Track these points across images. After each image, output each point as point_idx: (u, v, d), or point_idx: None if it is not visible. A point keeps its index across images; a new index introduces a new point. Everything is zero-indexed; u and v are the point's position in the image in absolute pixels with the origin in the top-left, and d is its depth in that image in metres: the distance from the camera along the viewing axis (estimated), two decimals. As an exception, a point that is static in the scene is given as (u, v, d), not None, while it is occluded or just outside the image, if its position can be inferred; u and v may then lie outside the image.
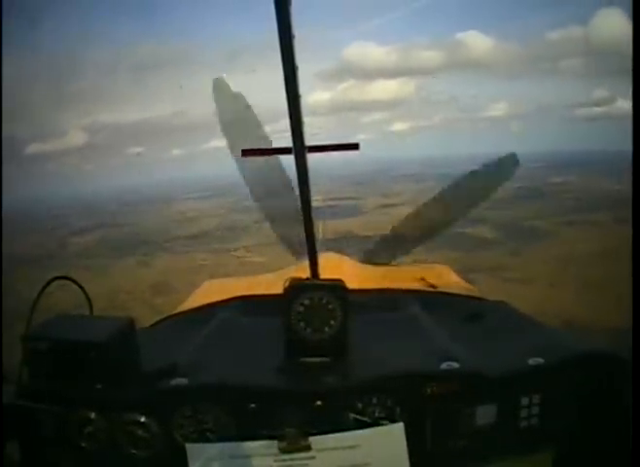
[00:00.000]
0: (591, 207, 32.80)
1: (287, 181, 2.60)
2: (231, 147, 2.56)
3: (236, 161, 2.54)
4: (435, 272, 2.14)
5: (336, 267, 1.94)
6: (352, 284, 1.21)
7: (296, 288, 1.17)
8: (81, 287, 1.32)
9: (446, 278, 2.11)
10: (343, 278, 1.21)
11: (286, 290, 1.17)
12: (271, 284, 1.59)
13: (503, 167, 2.72)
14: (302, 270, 1.46)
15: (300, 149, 0.95)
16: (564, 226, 31.54)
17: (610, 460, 1.08)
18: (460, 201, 2.69)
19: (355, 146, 1.09)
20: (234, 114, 2.58)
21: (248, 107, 2.62)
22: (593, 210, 31.47)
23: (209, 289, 2.18)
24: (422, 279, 1.92)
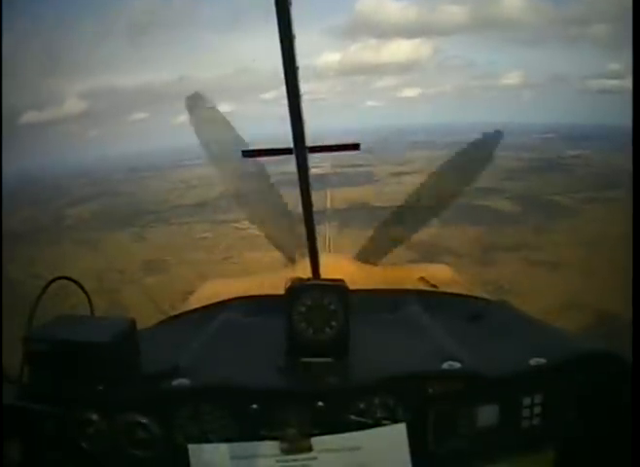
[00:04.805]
0: (610, 183, 31.73)
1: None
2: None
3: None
4: (435, 272, 2.16)
5: (336, 267, 1.92)
6: (353, 285, 1.23)
7: (297, 288, 1.18)
8: (81, 287, 1.33)
9: (447, 278, 2.13)
10: (344, 279, 1.23)
11: (288, 290, 1.18)
12: (273, 285, 1.61)
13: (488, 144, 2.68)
14: (302, 271, 1.45)
15: (300, 149, 0.95)
16: (585, 203, 30.57)
17: (610, 460, 1.11)
18: (460, 175, 2.69)
19: (356, 146, 1.08)
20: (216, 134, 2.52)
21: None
22: (612, 187, 30.42)
23: (211, 290, 2.19)
24: (423, 279, 1.94)
